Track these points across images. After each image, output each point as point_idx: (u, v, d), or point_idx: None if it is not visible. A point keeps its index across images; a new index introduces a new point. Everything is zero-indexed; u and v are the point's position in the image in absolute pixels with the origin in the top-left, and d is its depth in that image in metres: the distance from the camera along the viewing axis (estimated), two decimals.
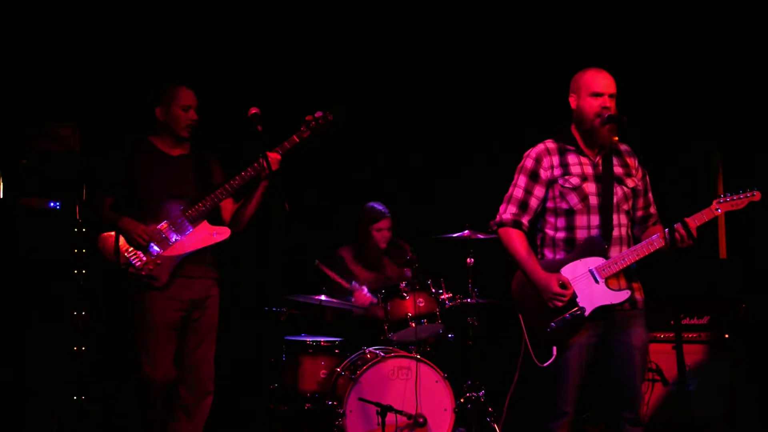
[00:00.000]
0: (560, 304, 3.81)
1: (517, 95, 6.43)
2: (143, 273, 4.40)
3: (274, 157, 4.48)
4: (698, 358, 5.43)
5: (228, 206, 4.67)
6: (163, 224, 4.47)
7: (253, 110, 4.50)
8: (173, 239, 4.46)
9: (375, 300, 5.59)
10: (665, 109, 6.14)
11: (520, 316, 3.96)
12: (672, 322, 5.34)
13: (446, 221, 5.77)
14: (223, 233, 4.57)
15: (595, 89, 3.90)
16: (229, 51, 6.22)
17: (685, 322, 5.57)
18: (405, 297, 5.38)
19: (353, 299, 5.73)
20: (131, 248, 4.42)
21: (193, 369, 4.53)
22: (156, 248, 4.43)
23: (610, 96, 3.90)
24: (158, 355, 4.43)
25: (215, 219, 4.64)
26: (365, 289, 5.74)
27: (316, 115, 4.60)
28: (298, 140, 4.56)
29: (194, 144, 4.69)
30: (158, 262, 4.42)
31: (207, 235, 4.54)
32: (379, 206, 5.97)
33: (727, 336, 5.41)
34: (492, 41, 6.44)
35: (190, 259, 4.50)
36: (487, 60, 6.50)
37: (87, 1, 5.79)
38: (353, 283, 5.78)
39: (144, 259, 4.41)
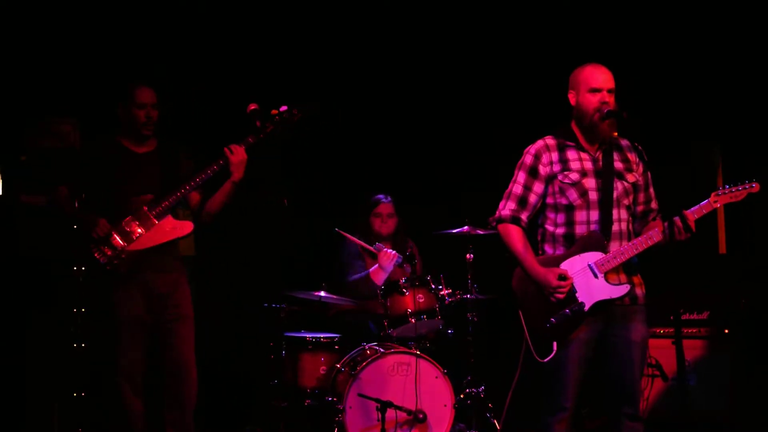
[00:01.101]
0: (561, 296, 3.80)
1: (519, 92, 6.42)
2: (108, 268, 4.44)
3: (238, 151, 4.49)
4: (698, 353, 5.43)
5: (195, 198, 4.71)
6: (127, 218, 4.50)
7: (252, 106, 4.51)
8: (137, 234, 4.49)
9: (400, 258, 5.56)
10: (665, 109, 6.13)
11: (521, 312, 3.96)
12: (672, 318, 5.35)
13: (446, 217, 5.76)
14: (185, 228, 4.61)
15: (594, 85, 3.90)
16: (230, 46, 6.22)
17: (685, 317, 5.58)
18: (404, 293, 5.37)
19: (378, 262, 5.66)
20: (94, 243, 4.46)
21: (177, 361, 4.57)
22: (120, 242, 4.46)
23: (609, 91, 3.90)
24: (127, 349, 4.50)
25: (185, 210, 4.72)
26: (389, 250, 5.69)
27: (281, 110, 4.59)
28: (261, 135, 4.56)
29: (163, 140, 4.72)
30: (123, 256, 4.46)
31: (170, 229, 4.57)
32: (380, 194, 5.96)
33: (726, 331, 5.41)
34: (495, 38, 6.43)
35: (156, 253, 4.54)
36: (489, 56, 6.49)
37: None
38: (376, 244, 5.75)
39: (108, 253, 4.45)
